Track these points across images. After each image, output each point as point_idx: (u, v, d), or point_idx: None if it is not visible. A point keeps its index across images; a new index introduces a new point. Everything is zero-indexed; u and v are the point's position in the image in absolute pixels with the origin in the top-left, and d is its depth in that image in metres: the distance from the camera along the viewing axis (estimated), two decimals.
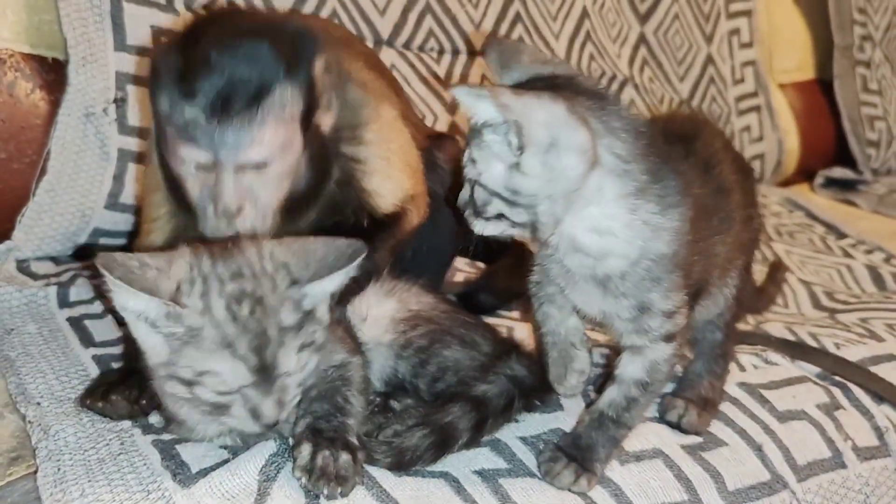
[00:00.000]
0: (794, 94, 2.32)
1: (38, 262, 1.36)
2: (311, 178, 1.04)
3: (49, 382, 1.04)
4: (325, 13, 1.63)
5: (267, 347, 0.82)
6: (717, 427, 1.06)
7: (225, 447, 0.93)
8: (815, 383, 1.18)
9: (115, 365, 1.09)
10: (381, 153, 1.13)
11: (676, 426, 1.04)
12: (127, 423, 0.97)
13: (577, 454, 0.93)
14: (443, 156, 1.30)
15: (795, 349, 1.24)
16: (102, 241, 1.42)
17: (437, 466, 0.93)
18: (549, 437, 0.99)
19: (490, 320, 1.20)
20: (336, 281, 0.87)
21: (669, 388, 1.07)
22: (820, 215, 2.05)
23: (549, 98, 0.80)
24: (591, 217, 0.84)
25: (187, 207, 1.03)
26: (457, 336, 1.04)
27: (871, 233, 1.94)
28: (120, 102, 1.39)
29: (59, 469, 0.89)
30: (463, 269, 1.45)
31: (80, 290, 1.27)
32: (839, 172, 2.33)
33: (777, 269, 1.49)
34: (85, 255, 1.40)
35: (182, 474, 0.88)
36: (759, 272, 1.51)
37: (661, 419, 1.05)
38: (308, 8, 1.62)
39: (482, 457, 0.95)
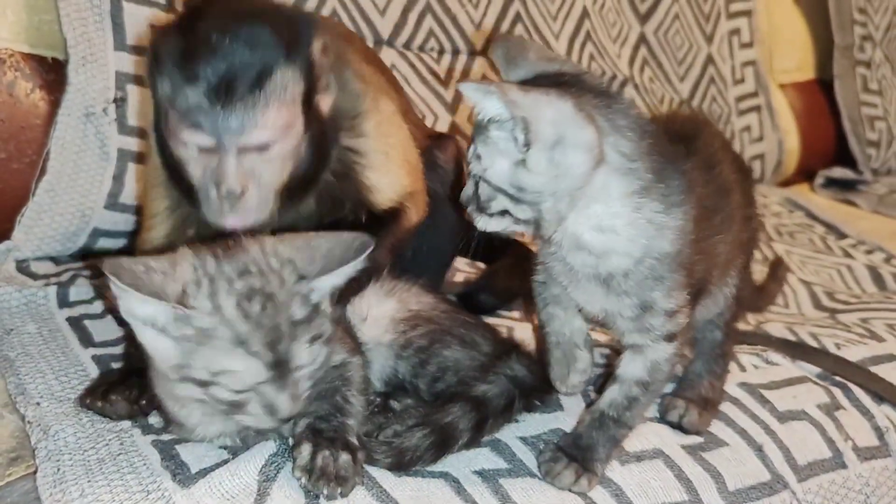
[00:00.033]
0: (794, 94, 2.32)
1: (37, 262, 1.36)
2: (311, 161, 1.04)
3: (48, 382, 1.04)
4: (325, 13, 1.63)
5: (280, 342, 0.82)
6: (717, 427, 1.06)
7: (224, 447, 0.92)
8: (816, 383, 1.18)
9: (115, 365, 1.09)
10: (380, 147, 1.13)
11: (677, 426, 1.04)
12: (126, 424, 0.97)
13: (577, 454, 0.93)
14: (443, 155, 1.30)
15: (796, 349, 1.24)
16: (102, 241, 1.42)
17: (437, 466, 0.93)
18: (550, 438, 0.99)
19: (490, 320, 1.20)
20: (344, 274, 0.87)
21: (669, 388, 1.07)
22: (820, 215, 2.05)
23: (557, 95, 0.80)
24: (595, 215, 0.84)
25: (187, 192, 1.03)
26: (457, 336, 1.04)
27: (871, 233, 1.94)
28: (120, 102, 1.39)
29: (58, 469, 0.89)
30: (463, 269, 1.45)
31: (80, 290, 1.27)
32: (839, 172, 2.33)
33: (778, 267, 1.49)
34: (84, 256, 1.41)
35: (182, 474, 0.88)
36: (760, 272, 1.51)
37: (662, 419, 1.05)
38: (308, 7, 1.61)
39: (482, 457, 0.95)
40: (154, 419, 0.98)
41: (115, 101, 1.38)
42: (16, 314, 1.20)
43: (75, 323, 1.19)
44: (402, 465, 0.91)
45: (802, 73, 2.37)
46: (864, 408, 1.16)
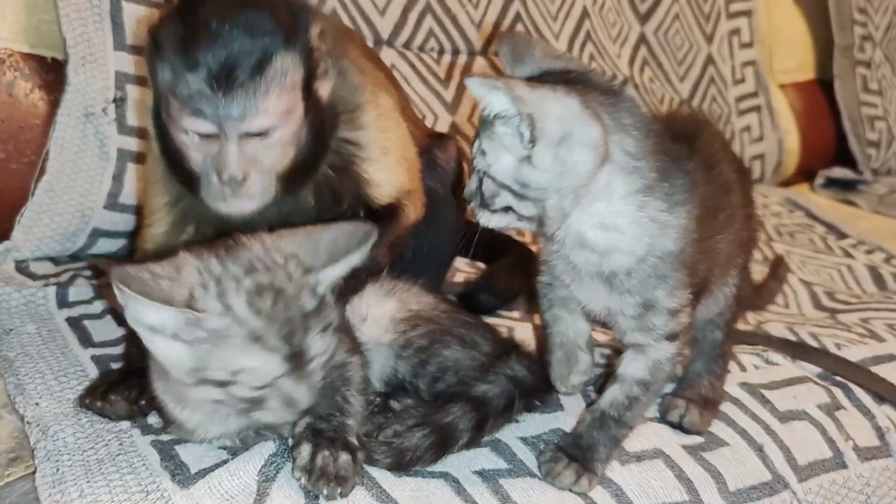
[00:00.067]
0: (794, 94, 2.32)
1: (36, 263, 1.36)
2: (311, 147, 1.04)
3: (48, 383, 1.04)
4: (324, 13, 1.63)
5: (295, 335, 0.82)
6: (718, 427, 1.06)
7: (224, 448, 0.92)
8: (816, 383, 1.17)
9: (115, 365, 1.09)
10: (378, 141, 1.13)
11: (678, 426, 1.04)
12: (126, 424, 0.97)
13: (577, 454, 0.93)
14: (443, 155, 1.30)
15: (796, 349, 1.24)
16: (101, 241, 1.42)
17: (438, 467, 0.93)
18: (550, 438, 0.99)
19: (490, 320, 1.20)
20: (350, 263, 0.87)
21: (670, 388, 1.07)
22: (820, 215, 2.05)
23: (564, 92, 0.80)
24: (599, 213, 0.84)
25: (186, 180, 1.03)
26: (457, 336, 1.04)
27: (871, 233, 1.93)
28: (119, 102, 1.39)
29: (57, 469, 0.89)
30: (463, 269, 1.45)
31: (79, 290, 1.26)
32: (839, 172, 2.33)
33: (779, 265, 1.50)
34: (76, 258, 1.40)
35: (181, 475, 0.88)
36: (760, 272, 1.51)
37: (663, 419, 1.05)
38: None
39: (482, 457, 0.95)
40: (153, 419, 0.98)
41: (114, 100, 1.38)
42: (15, 314, 1.20)
43: (74, 323, 1.19)
44: (402, 465, 0.91)
45: (802, 73, 2.37)
46: (864, 408, 1.16)
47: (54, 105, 1.38)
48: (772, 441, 1.06)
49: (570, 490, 0.93)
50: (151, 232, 1.13)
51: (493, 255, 1.41)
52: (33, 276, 1.31)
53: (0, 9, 1.38)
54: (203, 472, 0.88)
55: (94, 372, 1.07)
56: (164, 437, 0.94)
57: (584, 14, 1.95)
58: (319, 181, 1.09)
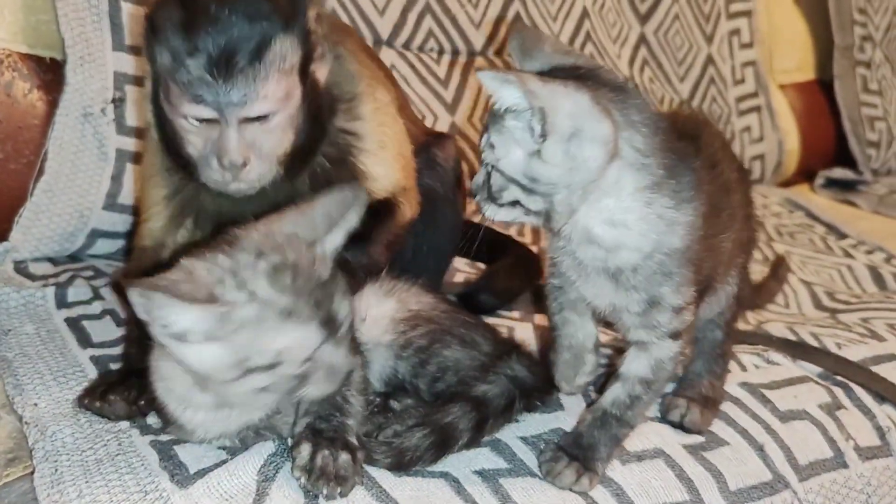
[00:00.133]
0: (794, 94, 2.32)
1: (35, 263, 1.35)
2: (309, 131, 1.05)
3: (46, 383, 1.04)
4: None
5: (322, 303, 0.83)
6: (718, 427, 1.06)
7: (223, 448, 0.92)
8: (817, 383, 1.17)
9: (114, 366, 1.08)
10: (376, 133, 1.14)
11: (679, 426, 1.04)
12: (125, 424, 0.97)
13: (578, 453, 0.93)
14: (442, 154, 1.30)
15: (797, 349, 1.24)
16: (100, 241, 1.42)
17: (438, 466, 0.93)
18: (550, 437, 0.98)
19: (490, 320, 1.20)
20: (349, 225, 0.88)
21: (670, 388, 1.07)
22: (820, 216, 2.05)
23: (575, 87, 0.80)
24: (607, 209, 0.84)
25: (184, 165, 1.03)
26: (457, 336, 1.04)
27: (871, 233, 1.93)
28: (118, 102, 1.38)
29: (56, 470, 0.89)
30: (463, 269, 1.45)
31: (78, 290, 1.26)
32: (839, 173, 2.33)
33: (780, 265, 1.49)
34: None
35: (180, 475, 0.88)
36: (761, 272, 1.51)
37: (664, 419, 1.05)
38: None
39: (482, 457, 0.95)
40: (152, 420, 0.97)
41: (113, 101, 1.38)
42: (14, 315, 1.20)
43: (73, 323, 1.18)
44: (401, 465, 0.91)
45: (802, 74, 2.37)
46: (865, 407, 1.16)
47: (53, 105, 1.37)
48: (772, 440, 1.06)
49: (571, 489, 0.92)
50: (149, 227, 1.13)
51: (493, 255, 1.40)
52: (32, 277, 1.30)
53: None
54: (202, 472, 0.88)
55: (92, 372, 1.07)
56: (163, 438, 0.94)
57: (584, 14, 1.95)
58: (316, 172, 1.09)
